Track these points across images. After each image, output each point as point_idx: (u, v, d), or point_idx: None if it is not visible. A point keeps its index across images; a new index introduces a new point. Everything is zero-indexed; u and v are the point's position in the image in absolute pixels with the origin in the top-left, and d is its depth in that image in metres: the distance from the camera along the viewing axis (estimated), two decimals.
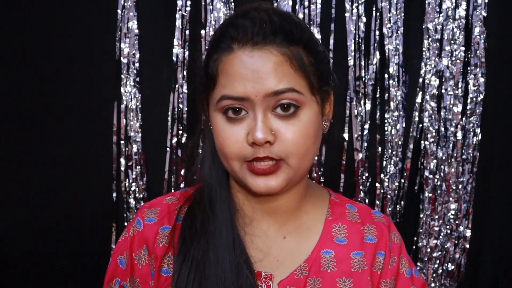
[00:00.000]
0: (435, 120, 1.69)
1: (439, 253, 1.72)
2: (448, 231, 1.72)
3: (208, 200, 1.07)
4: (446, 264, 1.73)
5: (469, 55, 1.68)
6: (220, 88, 1.01)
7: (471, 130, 1.69)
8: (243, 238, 1.06)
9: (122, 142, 1.69)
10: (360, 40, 1.68)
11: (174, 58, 1.67)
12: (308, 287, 1.06)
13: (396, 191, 1.71)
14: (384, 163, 1.70)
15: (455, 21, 1.67)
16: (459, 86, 1.68)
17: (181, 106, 1.68)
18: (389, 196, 1.71)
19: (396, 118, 1.69)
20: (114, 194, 1.71)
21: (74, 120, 1.68)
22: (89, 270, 1.69)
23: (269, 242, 1.08)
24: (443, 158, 1.70)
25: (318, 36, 1.67)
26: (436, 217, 1.71)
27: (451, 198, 1.71)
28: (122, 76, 1.68)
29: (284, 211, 1.10)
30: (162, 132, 1.69)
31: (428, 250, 1.72)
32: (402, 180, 1.71)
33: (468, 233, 1.72)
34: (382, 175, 1.71)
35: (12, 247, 1.72)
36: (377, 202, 1.71)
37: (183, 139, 1.69)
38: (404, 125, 1.70)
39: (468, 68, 1.68)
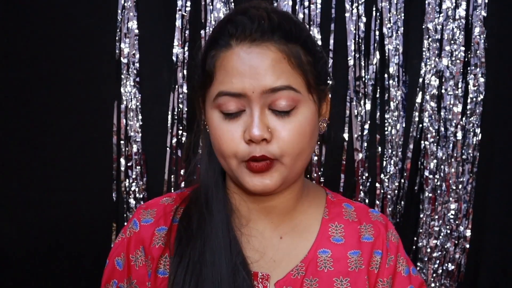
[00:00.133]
0: (435, 120, 1.69)
1: (439, 253, 1.72)
2: (448, 231, 1.72)
3: (204, 201, 1.07)
4: (446, 264, 1.73)
5: (469, 55, 1.68)
6: (217, 85, 1.01)
7: (471, 130, 1.69)
8: (240, 239, 1.06)
9: (122, 142, 1.69)
10: (360, 40, 1.68)
11: (174, 58, 1.67)
12: (305, 287, 1.06)
13: (396, 191, 1.71)
14: (384, 163, 1.70)
15: (455, 21, 1.67)
16: (459, 86, 1.68)
17: (181, 106, 1.68)
18: (389, 196, 1.71)
19: (396, 118, 1.69)
20: (114, 194, 1.71)
21: (74, 120, 1.68)
22: (89, 270, 1.69)
23: (265, 243, 1.08)
24: (443, 158, 1.70)
25: (318, 36, 1.67)
26: (436, 217, 1.71)
27: (451, 198, 1.71)
28: (122, 76, 1.68)
29: (280, 211, 1.10)
30: (162, 132, 1.69)
31: (428, 250, 1.72)
32: (402, 180, 1.71)
33: (468, 233, 1.72)
34: (382, 175, 1.71)
35: (12, 247, 1.72)
36: (377, 202, 1.71)
37: (183, 139, 1.69)
38: (404, 125, 1.70)
39: (468, 68, 1.68)
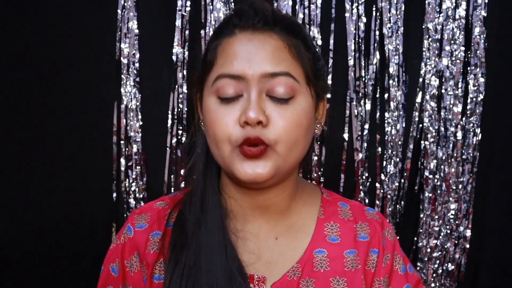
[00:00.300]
0: (435, 120, 1.69)
1: (439, 253, 1.72)
2: (448, 231, 1.72)
3: (200, 205, 1.06)
4: (446, 264, 1.73)
5: (469, 55, 1.68)
6: (218, 68, 1.02)
7: (471, 130, 1.69)
8: (235, 242, 1.05)
9: (122, 142, 1.69)
10: (360, 40, 1.68)
11: (174, 58, 1.67)
12: None
13: (396, 191, 1.71)
14: (384, 163, 1.70)
15: (455, 21, 1.67)
16: (459, 86, 1.68)
17: (181, 106, 1.68)
18: (389, 196, 1.71)
19: (396, 118, 1.69)
20: (114, 194, 1.71)
21: (74, 120, 1.68)
22: (89, 270, 1.69)
23: (260, 244, 1.08)
24: (443, 158, 1.70)
25: (318, 36, 1.67)
26: (436, 217, 1.71)
27: (451, 198, 1.71)
28: (122, 76, 1.68)
29: (275, 210, 1.09)
30: (162, 132, 1.69)
31: (428, 250, 1.72)
32: (402, 180, 1.71)
33: (468, 233, 1.72)
34: (382, 175, 1.71)
35: (12, 247, 1.72)
36: (377, 202, 1.71)
37: (183, 139, 1.69)
38: (404, 125, 1.70)
39: (468, 68, 1.68)
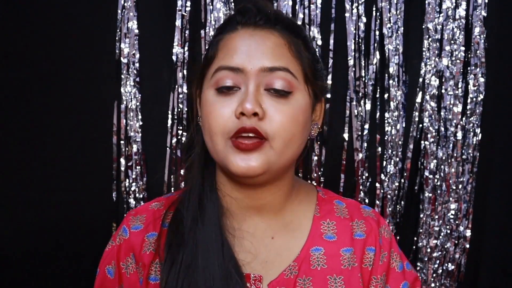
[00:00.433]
0: (435, 120, 1.69)
1: (439, 253, 1.72)
2: (448, 231, 1.72)
3: (198, 203, 1.06)
4: (446, 264, 1.73)
5: (469, 55, 1.68)
6: (218, 61, 1.04)
7: (471, 130, 1.69)
8: (231, 241, 1.06)
9: (122, 142, 1.69)
10: (360, 40, 1.68)
11: (174, 58, 1.67)
12: (298, 286, 1.05)
13: (396, 191, 1.71)
14: (384, 163, 1.70)
15: (455, 21, 1.67)
16: (459, 86, 1.68)
17: (181, 106, 1.68)
18: (389, 196, 1.71)
19: (396, 118, 1.69)
20: (114, 194, 1.71)
21: (74, 120, 1.68)
22: (89, 270, 1.68)
23: (257, 243, 1.08)
24: (443, 158, 1.70)
25: (318, 36, 1.67)
26: (436, 217, 1.71)
27: (451, 198, 1.71)
28: (122, 76, 1.68)
29: (270, 209, 1.09)
30: (162, 132, 1.69)
31: (428, 250, 1.72)
32: (402, 180, 1.71)
33: (468, 233, 1.72)
34: (382, 175, 1.71)
35: (12, 247, 1.71)
36: (377, 202, 1.71)
37: (183, 139, 1.69)
38: (404, 125, 1.70)
39: (468, 68, 1.68)
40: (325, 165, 1.70)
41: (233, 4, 1.66)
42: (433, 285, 1.73)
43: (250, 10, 1.06)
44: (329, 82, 1.67)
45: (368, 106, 1.69)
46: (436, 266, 1.72)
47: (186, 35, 1.67)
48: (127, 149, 1.70)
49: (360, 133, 1.69)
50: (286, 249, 1.08)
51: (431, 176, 1.70)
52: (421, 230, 1.72)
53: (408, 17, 1.68)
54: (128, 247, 1.09)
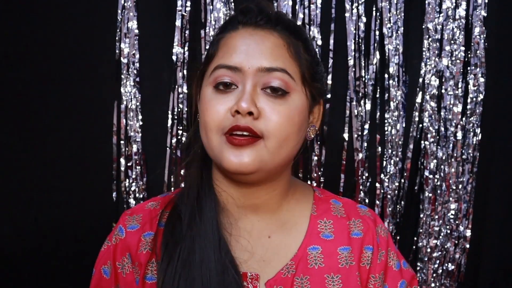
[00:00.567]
0: (435, 120, 1.69)
1: (439, 253, 1.72)
2: (448, 231, 1.72)
3: (195, 198, 1.07)
4: (446, 264, 1.73)
5: (469, 55, 1.68)
6: (217, 59, 1.05)
7: (471, 130, 1.69)
8: (228, 239, 1.06)
9: (122, 142, 1.69)
10: (360, 40, 1.68)
11: (174, 58, 1.67)
12: (296, 285, 1.05)
13: (396, 191, 1.71)
14: (384, 163, 1.70)
15: (455, 21, 1.67)
16: (459, 86, 1.68)
17: (181, 106, 1.68)
18: (389, 196, 1.71)
19: (396, 118, 1.69)
20: (114, 194, 1.71)
21: (74, 120, 1.68)
22: (89, 270, 1.68)
23: (253, 242, 1.08)
24: (443, 158, 1.70)
25: (318, 36, 1.67)
26: (436, 217, 1.71)
27: (451, 198, 1.71)
28: (122, 76, 1.68)
29: (266, 209, 1.10)
30: (162, 132, 1.69)
31: (428, 250, 1.72)
32: (402, 180, 1.71)
33: (468, 233, 1.72)
34: (382, 175, 1.71)
35: (12, 246, 1.72)
36: (377, 202, 1.71)
37: (183, 139, 1.69)
38: (404, 125, 1.70)
39: (468, 68, 1.68)
40: (325, 165, 1.70)
41: (233, 4, 1.66)
42: (433, 285, 1.73)
43: (251, 10, 1.07)
44: (329, 82, 1.67)
45: (368, 106, 1.69)
46: (436, 266, 1.72)
47: (186, 35, 1.67)
48: (127, 149, 1.70)
49: (360, 133, 1.69)
50: (283, 248, 1.09)
51: (431, 176, 1.70)
52: (421, 230, 1.72)
53: (408, 17, 1.68)
54: (124, 247, 1.09)
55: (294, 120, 1.03)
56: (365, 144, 1.70)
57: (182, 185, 1.67)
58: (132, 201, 1.70)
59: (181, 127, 1.69)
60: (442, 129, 1.69)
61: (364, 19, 1.67)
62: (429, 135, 1.69)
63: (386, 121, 1.69)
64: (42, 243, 1.71)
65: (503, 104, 1.69)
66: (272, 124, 1.01)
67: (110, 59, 1.68)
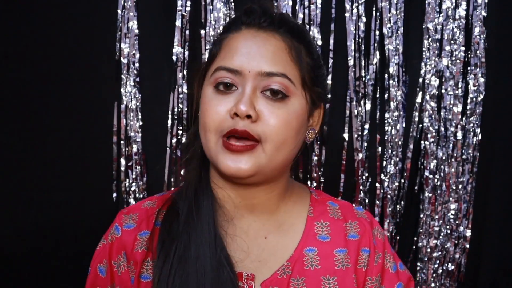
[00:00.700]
0: (435, 120, 1.69)
1: (439, 253, 1.72)
2: (448, 231, 1.72)
3: (193, 194, 1.07)
4: (446, 264, 1.73)
5: (469, 55, 1.68)
6: (219, 61, 1.05)
7: (471, 130, 1.69)
8: (224, 237, 1.06)
9: (122, 142, 1.69)
10: (360, 40, 1.68)
11: (174, 58, 1.67)
12: (291, 286, 1.05)
13: (396, 191, 1.71)
14: (384, 163, 1.70)
15: (455, 21, 1.67)
16: (459, 86, 1.68)
17: (181, 106, 1.68)
18: (389, 196, 1.71)
19: (396, 118, 1.69)
20: (114, 194, 1.71)
21: (74, 120, 1.68)
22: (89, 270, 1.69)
23: (250, 242, 1.08)
24: (443, 158, 1.70)
25: (318, 36, 1.67)
26: (436, 217, 1.71)
27: (451, 198, 1.71)
28: (122, 76, 1.68)
29: (264, 209, 1.10)
30: (162, 132, 1.69)
31: (428, 250, 1.72)
32: (402, 180, 1.71)
33: (468, 233, 1.72)
34: (382, 175, 1.71)
35: (12, 247, 1.72)
36: (377, 202, 1.71)
37: (183, 139, 1.69)
38: (404, 125, 1.70)
39: (468, 68, 1.68)
40: (325, 165, 1.70)
41: (233, 4, 1.66)
42: (433, 285, 1.73)
43: (255, 11, 1.07)
44: (329, 82, 1.67)
45: (368, 106, 1.69)
46: (436, 266, 1.72)
47: (186, 35, 1.67)
48: (127, 149, 1.70)
49: (360, 133, 1.69)
50: (279, 249, 1.09)
51: (431, 176, 1.70)
52: (421, 230, 1.72)
53: (408, 17, 1.68)
54: (120, 246, 1.09)
55: (292, 124, 1.03)
56: (365, 144, 1.70)
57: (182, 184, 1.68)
58: (132, 201, 1.70)
59: (181, 127, 1.69)
60: (442, 129, 1.69)
61: (364, 19, 1.67)
62: (429, 135, 1.69)
63: (386, 121, 1.69)
64: (42, 243, 1.71)
65: (503, 104, 1.69)
66: (270, 128, 1.01)
67: (110, 59, 1.68)
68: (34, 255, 1.71)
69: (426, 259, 1.72)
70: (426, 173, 1.70)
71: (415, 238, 1.73)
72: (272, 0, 1.65)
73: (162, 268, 1.02)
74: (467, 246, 1.72)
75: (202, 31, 1.67)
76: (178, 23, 1.66)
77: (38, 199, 1.69)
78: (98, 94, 1.69)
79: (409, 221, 1.73)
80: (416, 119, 1.70)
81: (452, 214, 1.71)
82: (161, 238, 1.06)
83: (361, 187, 1.70)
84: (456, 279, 1.73)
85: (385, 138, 1.70)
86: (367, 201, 1.71)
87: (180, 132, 1.69)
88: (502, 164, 1.70)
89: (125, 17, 1.67)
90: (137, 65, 1.68)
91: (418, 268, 1.73)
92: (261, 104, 1.02)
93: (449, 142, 1.70)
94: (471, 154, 1.70)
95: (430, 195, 1.71)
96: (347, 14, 1.67)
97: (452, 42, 1.67)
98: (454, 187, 1.70)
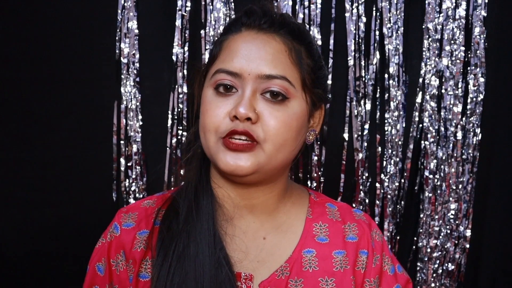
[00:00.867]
0: (435, 120, 1.69)
1: (439, 253, 1.72)
2: (448, 231, 1.72)
3: (193, 193, 1.07)
4: (446, 264, 1.73)
5: (469, 55, 1.68)
6: (219, 63, 1.05)
7: (471, 130, 1.69)
8: (223, 236, 1.06)
9: (122, 142, 1.69)
10: (360, 40, 1.68)
11: (174, 58, 1.67)
12: (290, 287, 1.06)
13: (396, 191, 1.71)
14: (384, 163, 1.70)
15: (455, 21, 1.67)
16: (459, 86, 1.68)
17: (181, 106, 1.68)
18: (389, 196, 1.71)
19: (396, 118, 1.69)
20: (114, 194, 1.71)
21: (74, 120, 1.68)
22: None
23: (248, 242, 1.08)
24: (443, 158, 1.70)
25: (318, 36, 1.67)
26: (436, 217, 1.71)
27: (451, 198, 1.71)
28: (122, 76, 1.68)
29: (263, 210, 1.10)
30: (162, 132, 1.69)
31: (428, 250, 1.72)
32: (402, 180, 1.71)
33: (468, 233, 1.72)
34: (382, 175, 1.71)
35: (12, 247, 1.72)
36: (377, 202, 1.71)
37: (183, 139, 1.69)
38: (404, 125, 1.70)
39: (468, 68, 1.68)
40: (325, 165, 1.70)
41: (233, 4, 1.66)
42: (433, 285, 1.73)
43: (255, 13, 1.07)
44: (329, 82, 1.67)
45: (368, 106, 1.69)
46: (436, 266, 1.72)
47: (186, 35, 1.67)
48: (127, 149, 1.70)
49: (360, 133, 1.69)
50: (278, 250, 1.09)
51: (431, 176, 1.70)
52: (421, 230, 1.72)
53: (408, 17, 1.68)
54: (119, 244, 1.09)
55: (292, 126, 1.03)
56: (365, 144, 1.70)
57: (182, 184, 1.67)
58: (132, 201, 1.70)
59: (181, 127, 1.69)
60: (442, 129, 1.69)
61: (364, 19, 1.67)
62: (429, 135, 1.69)
63: (386, 121, 1.69)
64: (42, 243, 1.71)
65: (503, 104, 1.69)
66: (270, 129, 1.01)
67: (110, 59, 1.68)
68: (34, 255, 1.71)
69: (426, 259, 1.72)
70: (426, 173, 1.70)
71: (415, 238, 1.73)
72: (272, 1, 1.65)
73: (161, 266, 1.03)
74: (467, 246, 1.72)
75: (202, 31, 1.67)
76: (178, 23, 1.66)
77: (38, 199, 1.69)
78: (98, 94, 1.69)
79: (409, 221, 1.73)
80: (416, 119, 1.70)
81: (452, 214, 1.71)
82: (161, 236, 1.06)
83: (361, 187, 1.70)
84: (456, 279, 1.73)
85: (385, 138, 1.70)
86: (367, 201, 1.71)
87: (180, 132, 1.69)
88: (502, 164, 1.70)
89: (125, 17, 1.67)
90: (137, 65, 1.68)
91: (418, 268, 1.73)
92: (261, 106, 1.02)
93: (449, 142, 1.70)
94: (471, 154, 1.70)
95: (430, 195, 1.71)
96: (347, 14, 1.67)
97: (452, 42, 1.67)
98: (454, 187, 1.70)
